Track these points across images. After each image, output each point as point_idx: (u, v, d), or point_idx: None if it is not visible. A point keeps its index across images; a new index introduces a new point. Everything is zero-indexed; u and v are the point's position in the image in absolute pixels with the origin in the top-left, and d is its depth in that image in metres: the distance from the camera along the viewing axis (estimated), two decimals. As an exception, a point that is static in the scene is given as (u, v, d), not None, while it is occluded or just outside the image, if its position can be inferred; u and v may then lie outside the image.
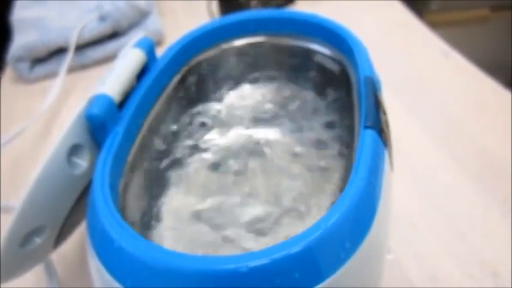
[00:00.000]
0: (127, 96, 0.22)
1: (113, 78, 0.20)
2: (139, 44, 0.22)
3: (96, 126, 0.19)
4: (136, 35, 0.25)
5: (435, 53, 0.43)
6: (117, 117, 0.20)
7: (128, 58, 0.21)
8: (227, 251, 0.22)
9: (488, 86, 0.39)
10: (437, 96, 0.38)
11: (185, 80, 0.26)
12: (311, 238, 0.15)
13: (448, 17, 1.06)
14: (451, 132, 0.35)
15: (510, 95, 0.38)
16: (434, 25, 1.09)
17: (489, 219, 0.28)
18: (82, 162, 0.20)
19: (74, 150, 0.19)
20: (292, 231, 0.22)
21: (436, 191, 0.30)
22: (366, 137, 0.18)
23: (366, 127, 0.18)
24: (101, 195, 0.17)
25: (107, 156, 0.19)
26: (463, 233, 0.28)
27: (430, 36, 0.46)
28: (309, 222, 0.22)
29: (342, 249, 0.15)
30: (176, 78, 0.25)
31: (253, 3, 0.48)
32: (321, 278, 0.15)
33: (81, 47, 0.45)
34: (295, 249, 0.14)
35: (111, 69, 0.21)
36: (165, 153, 0.24)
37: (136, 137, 0.21)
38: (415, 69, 0.41)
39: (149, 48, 0.23)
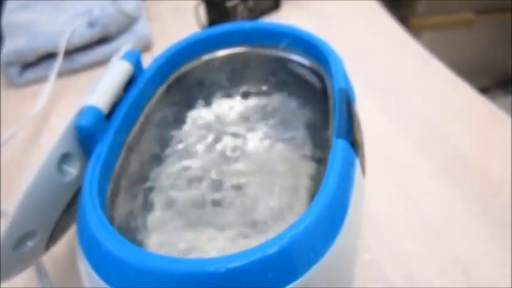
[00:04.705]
0: (115, 106, 0.23)
1: (102, 90, 0.21)
2: (126, 57, 0.23)
3: (86, 136, 0.21)
4: (125, 45, 0.26)
5: (415, 59, 0.45)
6: (105, 127, 0.22)
7: (116, 70, 0.22)
8: (211, 254, 0.23)
9: (465, 92, 0.40)
10: (416, 101, 0.40)
11: (170, 90, 0.27)
12: (283, 241, 0.16)
13: (434, 21, 1.08)
14: (430, 136, 0.36)
15: (485, 101, 0.39)
16: (420, 29, 1.11)
17: (462, 219, 0.30)
18: (72, 170, 0.21)
19: (64, 158, 0.21)
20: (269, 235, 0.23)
21: (413, 193, 0.32)
22: (337, 147, 0.19)
23: (338, 137, 0.20)
24: (89, 201, 0.18)
25: (95, 164, 0.20)
26: (438, 233, 0.29)
27: (410, 43, 0.47)
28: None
29: (313, 251, 0.17)
30: (161, 89, 0.26)
31: (240, 9, 0.50)
32: (293, 278, 0.16)
33: (70, 52, 0.46)
34: (268, 251, 0.16)
35: (99, 81, 0.22)
36: (150, 161, 0.26)
37: (123, 145, 0.23)
38: (395, 75, 0.43)
39: (136, 60, 0.24)
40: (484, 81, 1.22)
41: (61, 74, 0.45)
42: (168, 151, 0.27)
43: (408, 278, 0.27)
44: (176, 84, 0.27)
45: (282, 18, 0.51)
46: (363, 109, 0.27)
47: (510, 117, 0.37)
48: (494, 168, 0.33)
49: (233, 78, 0.29)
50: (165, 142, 0.27)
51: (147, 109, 0.25)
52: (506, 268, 0.27)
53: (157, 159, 0.26)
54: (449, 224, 0.30)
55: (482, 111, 0.38)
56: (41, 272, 0.25)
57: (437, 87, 0.41)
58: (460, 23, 1.11)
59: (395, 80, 0.42)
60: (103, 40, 0.47)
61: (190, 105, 0.29)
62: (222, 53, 0.28)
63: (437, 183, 0.32)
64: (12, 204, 0.32)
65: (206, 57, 0.28)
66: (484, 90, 1.20)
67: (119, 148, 0.22)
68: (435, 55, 0.45)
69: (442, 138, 0.36)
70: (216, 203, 0.25)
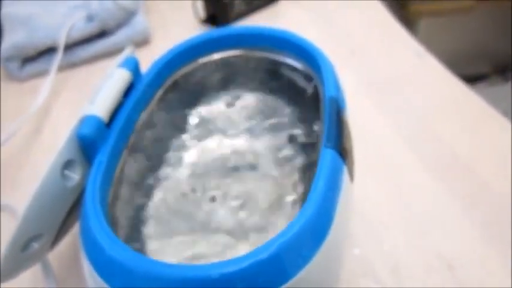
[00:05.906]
0: (115, 113, 0.24)
1: (101, 98, 0.22)
2: (124, 64, 0.24)
3: (87, 144, 0.22)
4: (124, 52, 0.26)
5: (409, 53, 0.45)
6: (106, 135, 0.23)
7: (115, 79, 0.23)
8: (209, 253, 0.24)
9: (458, 89, 0.40)
10: (408, 96, 0.40)
11: (167, 93, 0.28)
12: (273, 248, 0.17)
13: (433, 7, 1.08)
14: (420, 132, 0.37)
15: (477, 96, 0.40)
16: (418, 15, 1.10)
17: (449, 215, 0.31)
18: (74, 176, 0.22)
19: (67, 165, 0.22)
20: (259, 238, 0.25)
21: (402, 189, 0.32)
22: (325, 156, 0.20)
23: (326, 147, 0.21)
24: (92, 209, 0.19)
25: (96, 173, 0.21)
26: (425, 229, 0.30)
27: (405, 36, 0.47)
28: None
29: (301, 257, 0.18)
30: (159, 93, 0.27)
31: (237, 2, 0.50)
32: (282, 282, 0.18)
33: (69, 46, 0.46)
34: (259, 257, 0.17)
35: (99, 89, 0.23)
36: (150, 165, 0.27)
37: (123, 151, 0.24)
38: (389, 69, 0.43)
39: (134, 67, 0.25)
40: (484, 68, 1.22)
41: (60, 68, 0.46)
42: (165, 155, 0.28)
43: (395, 271, 0.28)
44: (173, 87, 0.28)
45: (279, 11, 0.52)
46: (356, 105, 0.28)
47: (502, 116, 0.37)
48: (485, 165, 0.33)
49: (228, 80, 0.30)
50: (163, 146, 0.28)
51: (145, 114, 0.26)
52: (491, 264, 0.28)
53: (156, 164, 0.27)
54: (435, 219, 0.30)
55: (476, 109, 0.38)
56: (46, 268, 0.27)
57: (428, 81, 0.41)
58: (460, 9, 1.11)
59: (387, 73, 0.42)
60: (102, 34, 0.48)
61: (186, 108, 0.30)
62: (217, 56, 0.29)
63: (426, 179, 0.33)
64: (14, 199, 0.33)
65: (202, 60, 0.29)
66: (483, 77, 1.20)
67: (119, 154, 0.23)
68: (434, 42, 0.44)
69: (433, 133, 0.36)
70: (211, 209, 0.26)
